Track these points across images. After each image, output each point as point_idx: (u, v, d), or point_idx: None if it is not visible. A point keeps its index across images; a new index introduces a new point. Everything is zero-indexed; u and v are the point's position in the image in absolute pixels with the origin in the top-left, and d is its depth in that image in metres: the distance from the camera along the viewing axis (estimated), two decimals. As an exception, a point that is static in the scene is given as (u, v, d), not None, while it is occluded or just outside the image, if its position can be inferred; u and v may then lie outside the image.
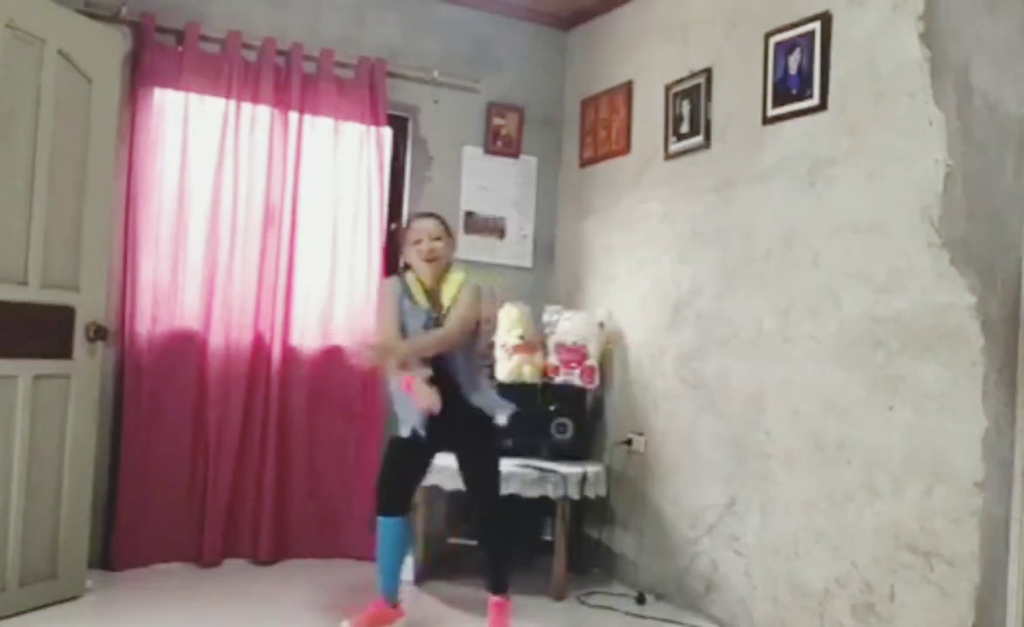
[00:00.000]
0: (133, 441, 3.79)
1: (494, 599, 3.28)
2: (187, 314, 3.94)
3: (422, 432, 3.16)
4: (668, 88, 3.97)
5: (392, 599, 3.32)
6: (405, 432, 3.23)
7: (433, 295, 3.23)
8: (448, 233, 3.28)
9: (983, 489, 2.59)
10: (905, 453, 2.80)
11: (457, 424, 3.16)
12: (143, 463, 3.81)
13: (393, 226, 4.47)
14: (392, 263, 4.42)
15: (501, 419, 3.27)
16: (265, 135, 4.06)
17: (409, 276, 3.26)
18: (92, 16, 3.60)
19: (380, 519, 3.26)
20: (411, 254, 3.24)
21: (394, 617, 3.33)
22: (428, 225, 3.25)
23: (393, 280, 3.32)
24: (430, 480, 3.76)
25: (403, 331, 3.18)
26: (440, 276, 3.25)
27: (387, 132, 4.40)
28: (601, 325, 4.25)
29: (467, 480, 3.30)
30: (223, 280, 3.97)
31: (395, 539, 3.27)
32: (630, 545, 4.07)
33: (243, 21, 4.07)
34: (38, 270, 3.19)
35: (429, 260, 3.20)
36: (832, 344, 3.08)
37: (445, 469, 3.73)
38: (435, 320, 3.20)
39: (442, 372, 3.13)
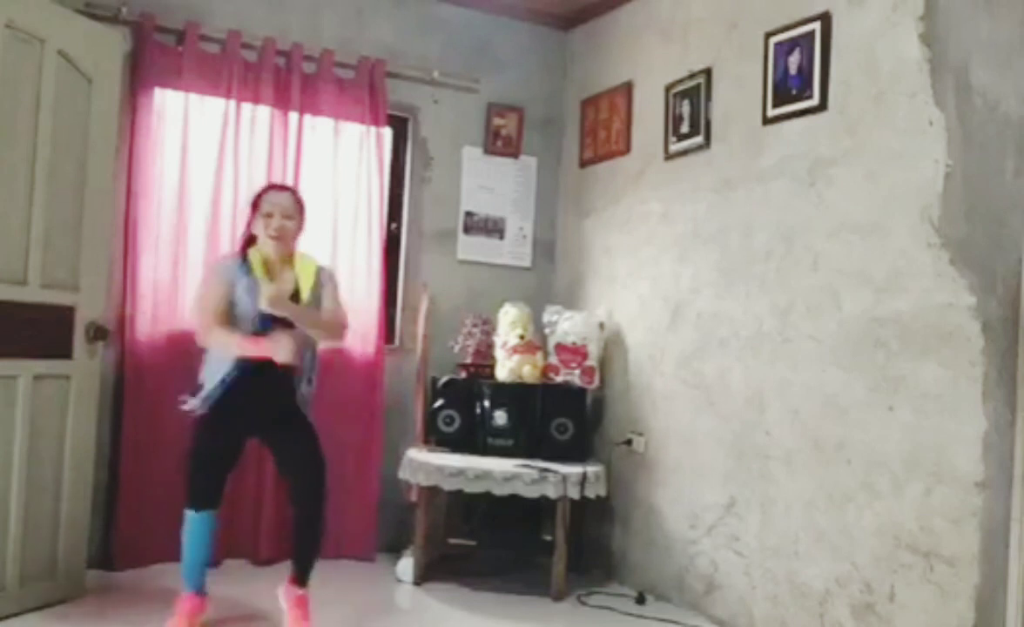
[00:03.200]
0: (133, 441, 3.79)
1: (298, 592, 3.16)
2: (187, 314, 3.93)
3: (206, 407, 3.04)
4: (668, 88, 3.97)
5: (199, 589, 3.19)
6: (197, 406, 3.06)
7: (273, 275, 3.07)
8: (301, 212, 3.15)
9: (983, 489, 2.59)
10: (905, 453, 2.80)
11: (270, 398, 3.08)
12: (143, 463, 3.81)
13: (394, 226, 4.48)
14: (393, 263, 4.44)
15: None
16: (265, 135, 4.06)
17: (252, 256, 3.09)
18: (92, 16, 3.59)
19: (194, 516, 3.10)
20: (258, 226, 3.10)
21: (205, 606, 3.22)
22: (282, 200, 3.11)
23: (224, 259, 3.19)
24: (429, 481, 3.77)
25: (233, 310, 3.02)
26: (284, 257, 3.11)
27: (387, 132, 4.41)
28: (601, 325, 4.25)
29: (287, 459, 3.16)
30: (223, 280, 3.97)
31: (209, 534, 3.15)
32: (630, 545, 4.07)
33: (243, 21, 4.07)
34: (38, 270, 3.19)
35: (276, 238, 3.06)
36: (832, 344, 3.08)
37: (444, 469, 3.74)
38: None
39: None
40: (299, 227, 3.15)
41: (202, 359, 3.16)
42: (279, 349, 2.92)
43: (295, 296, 3.08)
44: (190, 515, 3.12)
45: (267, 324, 3.00)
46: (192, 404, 3.09)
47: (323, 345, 3.29)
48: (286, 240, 3.10)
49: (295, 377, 3.14)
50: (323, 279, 3.18)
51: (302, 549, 3.20)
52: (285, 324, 3.00)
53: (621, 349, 4.23)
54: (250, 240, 3.16)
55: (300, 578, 3.19)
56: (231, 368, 3.02)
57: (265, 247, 3.09)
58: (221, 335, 3.01)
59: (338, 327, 3.20)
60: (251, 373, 3.02)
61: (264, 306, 2.94)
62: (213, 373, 3.07)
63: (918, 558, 2.74)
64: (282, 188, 3.24)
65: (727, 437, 3.54)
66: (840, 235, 3.08)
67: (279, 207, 3.08)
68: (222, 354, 3.03)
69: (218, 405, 3.07)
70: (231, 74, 3.99)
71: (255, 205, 3.15)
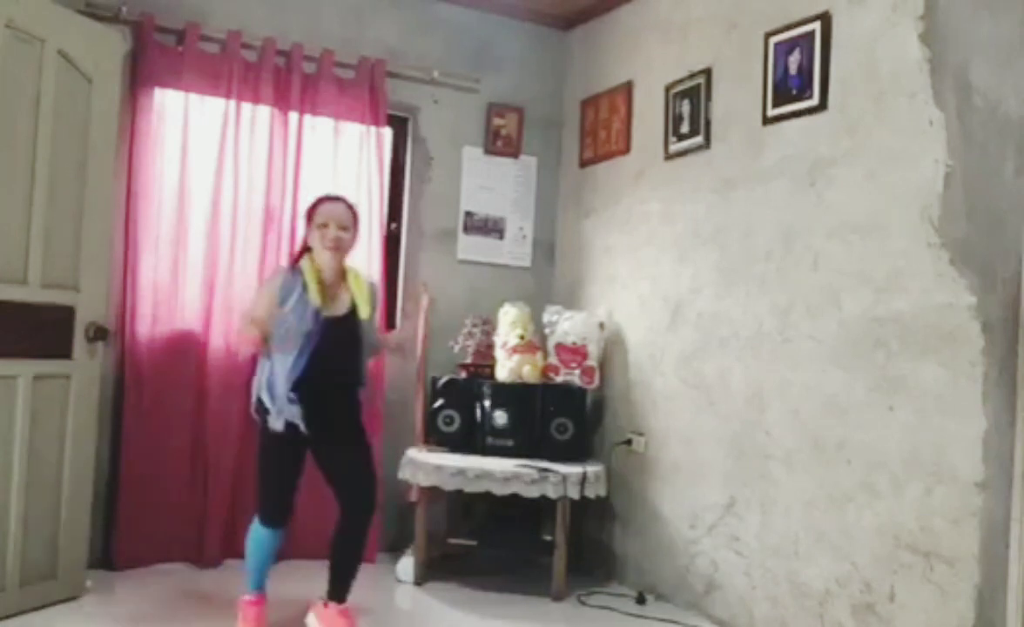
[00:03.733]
0: (133, 441, 3.79)
1: (340, 608, 3.13)
2: (187, 314, 3.94)
3: (300, 424, 2.98)
4: (668, 88, 3.97)
5: (261, 590, 3.20)
6: (279, 425, 2.99)
7: (327, 290, 3.05)
8: (355, 223, 3.14)
9: (983, 489, 2.59)
10: (905, 453, 2.80)
11: (337, 415, 3.09)
12: (143, 463, 3.81)
13: (393, 226, 4.48)
14: (393, 263, 4.44)
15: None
16: (265, 135, 4.06)
17: (306, 265, 3.06)
18: (92, 16, 3.59)
19: (264, 531, 3.09)
20: (314, 237, 3.07)
21: (263, 606, 3.22)
22: (338, 211, 3.09)
23: (279, 274, 3.11)
24: (429, 481, 3.77)
25: (277, 324, 2.96)
26: (339, 269, 3.10)
27: (387, 132, 4.41)
28: (601, 325, 4.25)
29: (341, 474, 3.14)
30: (223, 280, 3.97)
31: (277, 546, 3.17)
32: (630, 545, 4.07)
33: (243, 21, 4.07)
34: (38, 270, 3.19)
35: (332, 248, 3.04)
36: (832, 344, 3.08)
37: (444, 469, 3.74)
38: (335, 320, 3.03)
39: (337, 364, 3.05)
40: (354, 237, 3.13)
41: (256, 370, 3.11)
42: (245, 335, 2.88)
43: (353, 313, 3.09)
44: (260, 531, 3.11)
45: (312, 342, 2.98)
46: (273, 424, 3.00)
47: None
48: (342, 251, 3.08)
49: (358, 387, 3.17)
50: (375, 294, 3.23)
51: (347, 563, 3.15)
52: (330, 342, 3.00)
53: (621, 349, 4.23)
54: (304, 251, 3.14)
55: (340, 594, 3.15)
56: (297, 381, 2.97)
57: (321, 258, 3.06)
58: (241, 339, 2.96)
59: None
60: (318, 385, 2.99)
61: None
62: (276, 387, 2.99)
63: (918, 558, 2.74)
64: (336, 199, 3.18)
65: (727, 437, 3.54)
66: (840, 235, 3.08)
67: (334, 218, 3.06)
68: (280, 363, 2.97)
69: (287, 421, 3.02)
70: (231, 74, 3.99)
71: (309, 216, 3.13)
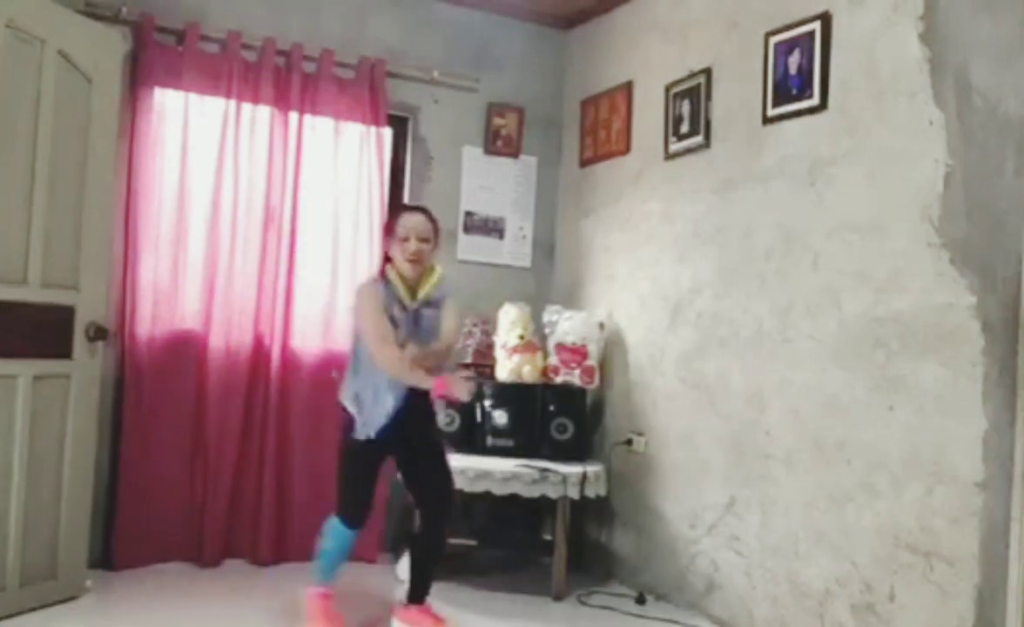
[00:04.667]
0: (133, 441, 3.79)
1: (422, 608, 3.23)
2: (187, 314, 3.94)
3: (379, 437, 3.07)
4: (668, 88, 3.97)
5: (331, 582, 3.24)
6: (363, 435, 3.08)
7: (412, 294, 3.12)
8: (436, 233, 3.16)
9: (983, 489, 2.59)
10: (905, 453, 2.80)
11: (417, 423, 3.15)
12: (143, 463, 3.81)
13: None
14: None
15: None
16: (265, 135, 4.06)
17: (391, 275, 3.10)
18: (92, 16, 3.59)
19: (348, 532, 3.14)
20: (395, 249, 3.11)
21: (332, 599, 3.26)
22: (418, 223, 3.11)
23: (373, 284, 3.13)
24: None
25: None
26: (420, 276, 3.14)
27: (387, 132, 4.41)
28: (601, 325, 4.25)
29: (422, 479, 3.22)
30: (223, 280, 3.97)
31: (351, 544, 3.20)
32: (630, 545, 4.07)
33: (243, 21, 4.08)
34: (38, 270, 3.19)
35: (413, 261, 3.08)
36: (832, 344, 3.08)
37: (445, 469, 3.74)
38: (414, 319, 3.12)
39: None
40: (433, 248, 3.14)
41: (344, 378, 3.18)
42: (462, 388, 2.96)
43: (419, 311, 3.14)
44: (343, 531, 3.14)
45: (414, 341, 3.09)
46: (361, 433, 3.08)
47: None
48: (422, 263, 3.11)
49: (434, 400, 3.19)
50: (441, 292, 3.20)
51: (429, 565, 3.26)
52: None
53: (621, 349, 4.23)
54: (386, 261, 3.19)
55: (421, 594, 3.26)
56: (398, 399, 3.06)
57: (400, 268, 3.10)
58: (412, 373, 3.00)
59: (451, 350, 3.30)
60: (406, 400, 3.07)
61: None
62: (373, 402, 3.07)
63: (918, 558, 2.74)
64: (417, 209, 3.23)
65: (727, 437, 3.54)
66: (840, 235, 3.08)
67: (414, 230, 3.08)
68: (382, 382, 3.05)
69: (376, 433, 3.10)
70: (231, 74, 3.99)
71: (390, 229, 3.16)
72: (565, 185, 4.78)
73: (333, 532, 3.17)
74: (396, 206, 3.25)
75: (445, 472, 3.25)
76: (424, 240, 3.09)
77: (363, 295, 3.08)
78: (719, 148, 3.68)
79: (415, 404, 3.09)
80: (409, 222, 3.11)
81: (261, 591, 3.67)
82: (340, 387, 3.19)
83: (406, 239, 3.07)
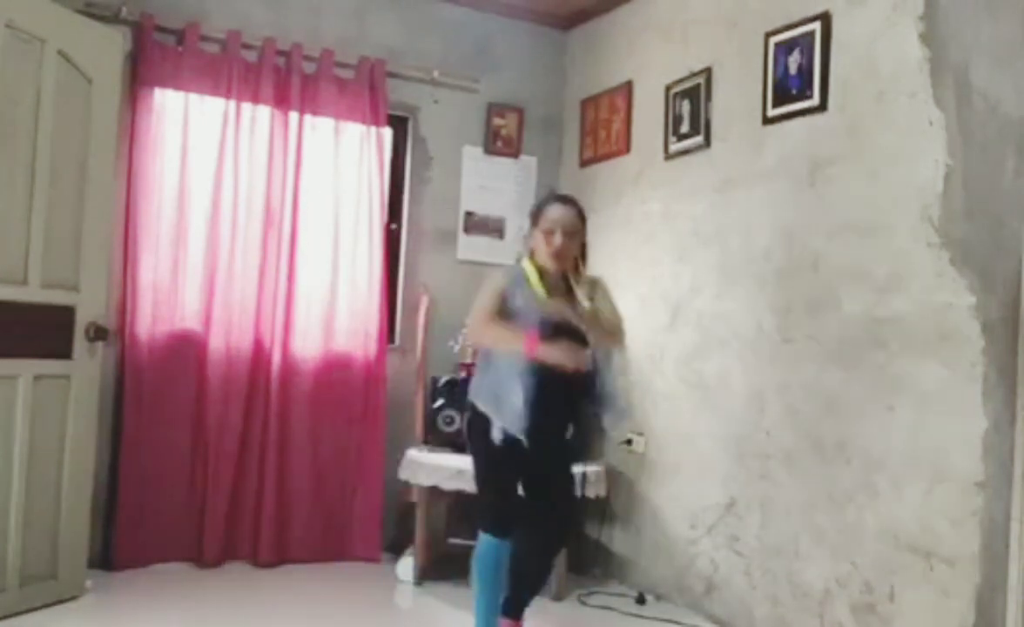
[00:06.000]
0: (133, 441, 3.79)
1: (515, 622, 2.93)
2: (187, 314, 3.94)
3: (521, 436, 2.70)
4: (668, 88, 3.97)
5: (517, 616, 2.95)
6: (497, 436, 2.74)
7: (552, 289, 2.81)
8: (583, 226, 2.89)
9: (983, 489, 2.59)
10: (905, 453, 2.80)
11: (557, 433, 2.83)
12: (143, 463, 3.81)
13: (394, 226, 4.47)
14: (393, 263, 4.44)
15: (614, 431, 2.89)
16: (265, 135, 4.06)
17: (527, 264, 2.83)
18: (92, 16, 3.60)
19: (495, 541, 2.80)
20: (538, 241, 2.81)
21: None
22: (564, 216, 2.81)
23: (504, 270, 2.88)
24: (430, 481, 3.77)
25: (513, 321, 2.73)
26: (564, 273, 2.84)
27: (387, 132, 4.40)
28: (601, 325, 4.24)
29: (544, 494, 2.89)
30: (223, 280, 3.97)
31: (503, 556, 2.84)
32: (630, 545, 4.07)
33: (243, 21, 4.07)
34: (38, 270, 3.19)
35: (556, 256, 2.78)
36: (832, 344, 3.08)
37: (443, 469, 3.74)
38: (556, 323, 2.71)
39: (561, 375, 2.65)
40: (578, 242, 2.87)
41: (472, 375, 2.90)
42: (570, 355, 2.60)
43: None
44: (492, 543, 2.81)
45: (547, 335, 2.68)
46: (498, 436, 2.74)
47: (603, 346, 2.87)
48: (566, 259, 2.82)
49: (589, 408, 2.88)
50: (598, 288, 2.91)
51: (531, 585, 2.95)
52: (568, 336, 2.69)
53: (621, 349, 4.21)
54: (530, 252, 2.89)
55: (519, 611, 2.95)
56: (530, 385, 2.67)
57: (543, 262, 2.82)
58: (501, 331, 2.69)
59: (617, 329, 2.89)
60: (546, 392, 2.69)
61: (543, 311, 2.71)
62: (504, 392, 2.72)
63: (918, 558, 2.74)
64: (564, 200, 2.92)
65: (727, 437, 3.54)
66: (840, 235, 3.08)
67: (560, 224, 2.79)
68: (508, 370, 2.70)
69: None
70: (231, 74, 3.99)
71: (535, 218, 2.87)
72: (565, 185, 4.77)
73: (483, 553, 2.83)
74: (545, 196, 2.97)
75: (569, 498, 2.99)
76: (570, 234, 2.80)
77: (488, 277, 2.85)
78: (719, 148, 3.68)
79: (556, 410, 2.78)
80: (554, 214, 2.82)
81: (261, 592, 3.66)
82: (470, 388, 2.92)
83: (550, 232, 2.79)
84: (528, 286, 2.80)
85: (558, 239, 2.78)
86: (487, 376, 2.81)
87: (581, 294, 2.83)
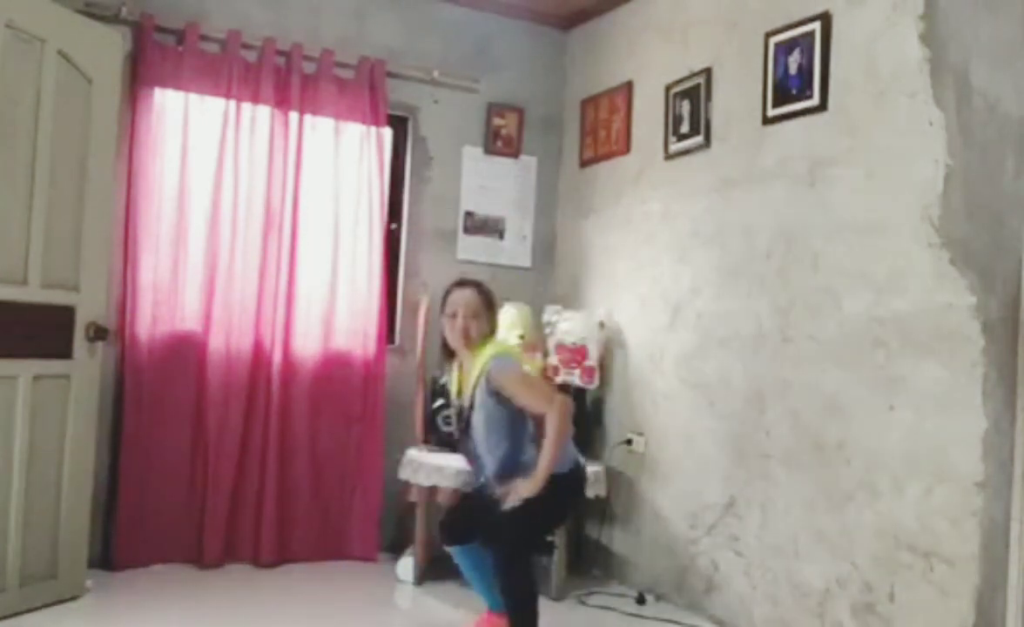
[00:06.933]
0: (133, 441, 3.79)
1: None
2: (187, 314, 3.94)
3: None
4: (668, 88, 3.97)
5: (497, 606, 3.10)
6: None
7: (463, 373, 3.04)
8: (489, 306, 3.02)
9: (983, 489, 2.59)
10: (905, 453, 2.80)
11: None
12: (143, 463, 3.81)
13: (394, 226, 4.47)
14: (393, 263, 4.44)
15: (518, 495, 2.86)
16: (265, 135, 4.06)
17: (454, 364, 3.10)
18: (92, 16, 3.59)
19: (448, 550, 3.18)
20: (445, 327, 3.01)
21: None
22: (466, 297, 2.97)
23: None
24: (429, 481, 3.77)
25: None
26: (475, 355, 2.98)
27: (387, 132, 4.40)
28: (601, 325, 4.25)
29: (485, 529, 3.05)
30: (223, 280, 3.97)
31: (471, 563, 3.16)
32: (630, 545, 4.07)
33: (243, 21, 4.07)
34: (38, 270, 3.19)
35: (464, 337, 2.95)
36: (832, 344, 3.08)
37: (443, 469, 3.74)
38: (459, 412, 3.05)
39: (481, 452, 3.05)
40: (484, 323, 2.98)
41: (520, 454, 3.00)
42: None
43: (471, 404, 3.00)
44: (450, 551, 3.18)
45: (468, 432, 3.04)
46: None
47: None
48: (471, 340, 2.95)
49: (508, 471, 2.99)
50: (493, 373, 2.88)
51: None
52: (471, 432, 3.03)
53: (621, 349, 4.23)
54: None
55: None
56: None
57: (454, 346, 3.01)
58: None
59: (559, 426, 2.82)
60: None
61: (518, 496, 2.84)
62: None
63: (918, 558, 2.74)
64: (465, 284, 3.07)
65: (727, 437, 3.54)
66: (840, 235, 3.08)
67: (462, 305, 2.96)
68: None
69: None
70: (231, 74, 3.99)
71: (442, 305, 3.05)
72: (565, 185, 4.78)
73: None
74: (451, 283, 3.13)
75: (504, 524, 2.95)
76: (473, 316, 2.96)
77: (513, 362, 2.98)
78: (719, 148, 3.68)
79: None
80: (456, 297, 3.00)
81: (261, 592, 3.66)
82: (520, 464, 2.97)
83: (453, 315, 2.98)
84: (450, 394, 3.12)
85: (460, 321, 2.95)
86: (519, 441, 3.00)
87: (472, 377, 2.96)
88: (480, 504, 3.10)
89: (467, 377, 3.02)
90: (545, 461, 2.79)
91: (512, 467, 2.95)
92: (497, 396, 2.90)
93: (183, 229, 3.91)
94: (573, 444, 3.02)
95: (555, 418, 2.79)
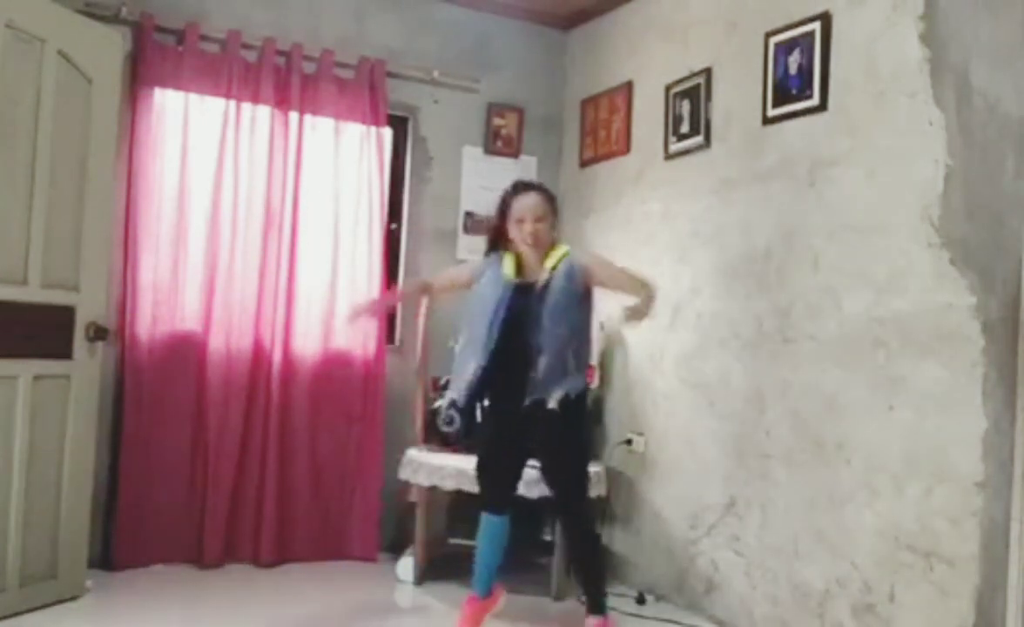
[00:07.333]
0: (133, 441, 3.79)
1: (595, 621, 3.07)
2: (187, 314, 3.94)
3: (461, 402, 2.96)
4: (668, 88, 3.97)
5: (485, 592, 3.17)
6: (449, 396, 3.04)
7: (525, 268, 3.04)
8: (553, 210, 3.08)
9: (983, 489, 2.59)
10: (905, 453, 2.80)
11: (535, 404, 2.93)
12: (143, 463, 3.81)
13: (394, 226, 4.47)
14: (393, 263, 4.44)
15: (551, 402, 2.91)
16: (265, 135, 4.06)
17: (506, 254, 3.08)
18: (92, 16, 3.59)
19: (484, 516, 3.05)
20: (513, 230, 3.05)
21: (492, 604, 3.24)
22: (532, 202, 3.02)
23: (483, 259, 3.15)
24: (429, 481, 3.77)
25: (470, 307, 3.04)
26: (541, 257, 3.05)
27: (387, 132, 4.40)
28: (601, 325, 4.24)
29: (545, 469, 3.08)
30: (223, 280, 3.97)
31: (498, 536, 3.08)
32: (630, 545, 4.07)
33: (243, 21, 4.07)
34: (38, 270, 3.19)
35: (535, 242, 3.00)
36: (832, 344, 3.08)
37: (443, 469, 3.74)
38: (524, 288, 2.97)
39: (522, 341, 2.92)
40: (551, 226, 3.06)
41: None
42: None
43: (545, 287, 2.98)
44: (484, 518, 3.09)
45: (504, 310, 2.97)
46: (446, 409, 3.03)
47: (633, 304, 3.02)
48: (542, 243, 3.04)
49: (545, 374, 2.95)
50: (582, 259, 3.05)
51: (579, 569, 3.08)
52: (525, 318, 2.94)
53: (621, 349, 4.22)
54: (501, 236, 3.12)
55: (593, 606, 3.08)
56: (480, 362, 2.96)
57: (520, 249, 3.05)
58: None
59: (636, 280, 3.04)
60: (508, 360, 2.95)
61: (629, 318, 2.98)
62: (462, 371, 3.02)
63: (918, 558, 2.74)
64: (530, 187, 3.12)
65: (727, 437, 3.54)
66: (840, 235, 3.08)
67: (529, 210, 3.01)
68: (470, 348, 2.99)
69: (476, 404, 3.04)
70: (231, 74, 3.99)
71: (502, 212, 3.08)
72: (565, 185, 4.78)
73: (481, 525, 3.13)
74: (509, 187, 3.17)
75: (567, 458, 3.03)
76: (539, 219, 3.02)
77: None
78: (719, 148, 3.68)
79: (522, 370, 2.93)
80: (523, 203, 3.03)
81: (261, 592, 3.66)
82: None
83: (521, 221, 3.01)
84: (500, 267, 3.06)
85: (530, 226, 3.00)
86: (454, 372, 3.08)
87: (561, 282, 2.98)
88: (519, 446, 3.07)
89: (532, 267, 3.03)
90: (620, 276, 3.04)
91: (563, 367, 2.94)
92: (574, 287, 2.98)
93: (183, 229, 3.91)
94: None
95: (649, 284, 3.01)
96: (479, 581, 3.18)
